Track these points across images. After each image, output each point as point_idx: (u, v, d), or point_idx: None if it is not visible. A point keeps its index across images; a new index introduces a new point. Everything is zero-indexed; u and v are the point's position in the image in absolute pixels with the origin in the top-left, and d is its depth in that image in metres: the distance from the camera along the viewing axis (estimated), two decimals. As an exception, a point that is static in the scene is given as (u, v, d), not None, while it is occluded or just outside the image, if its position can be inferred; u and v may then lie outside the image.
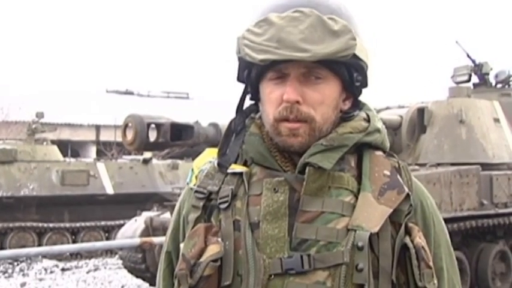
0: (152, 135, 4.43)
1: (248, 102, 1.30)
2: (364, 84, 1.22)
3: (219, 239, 1.14)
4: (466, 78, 8.49)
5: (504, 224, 6.93)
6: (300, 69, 1.15)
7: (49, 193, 12.55)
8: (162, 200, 8.73)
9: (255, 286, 1.11)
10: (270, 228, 1.14)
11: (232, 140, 1.26)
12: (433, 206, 1.27)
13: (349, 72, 1.18)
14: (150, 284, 7.93)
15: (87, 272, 10.79)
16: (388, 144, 1.27)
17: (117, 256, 10.36)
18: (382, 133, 1.26)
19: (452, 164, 6.74)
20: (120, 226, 9.02)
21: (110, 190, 13.26)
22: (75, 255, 12.23)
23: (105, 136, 23.55)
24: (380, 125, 1.26)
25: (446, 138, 7.19)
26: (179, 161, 14.75)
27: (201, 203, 1.21)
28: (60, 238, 12.70)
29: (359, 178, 1.20)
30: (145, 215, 7.72)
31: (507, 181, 6.94)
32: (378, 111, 7.56)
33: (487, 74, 8.81)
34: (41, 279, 10.18)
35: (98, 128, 25.72)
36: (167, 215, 7.32)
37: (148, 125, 4.33)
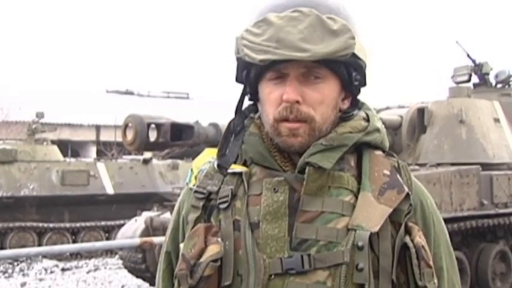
0: (152, 135, 4.44)
1: (247, 102, 1.29)
2: (363, 83, 1.22)
3: (219, 239, 1.14)
4: (466, 78, 8.50)
5: (504, 224, 6.93)
6: (300, 69, 1.15)
7: (49, 193, 12.56)
8: (162, 200, 8.72)
9: (255, 286, 1.10)
10: (270, 228, 1.14)
11: (231, 141, 1.26)
12: (432, 205, 1.27)
13: (348, 72, 1.18)
14: (150, 284, 7.93)
15: (87, 272, 10.79)
16: (387, 144, 1.27)
17: (117, 256, 10.35)
18: (382, 132, 1.26)
19: (453, 164, 6.75)
20: (120, 226, 9.02)
21: (110, 190, 13.26)
22: (75, 255, 12.23)
23: (105, 136, 23.55)
24: (379, 124, 1.26)
25: (446, 138, 7.19)
26: (179, 161, 14.75)
27: (201, 203, 1.21)
28: (60, 238, 12.70)
29: (359, 178, 1.20)
30: (146, 215, 7.72)
31: (507, 181, 6.94)
32: (378, 111, 7.56)
33: (487, 74, 8.82)
34: (41, 279, 10.18)
35: (98, 128, 25.72)
36: (167, 215, 7.32)
37: (149, 125, 4.33)
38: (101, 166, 13.47)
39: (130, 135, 4.34)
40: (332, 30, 1.11)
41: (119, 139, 6.24)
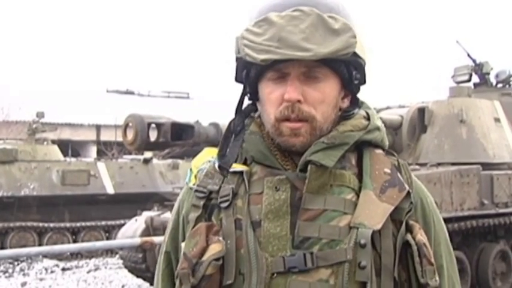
0: (153, 135, 4.43)
1: (246, 102, 1.29)
2: (363, 81, 1.22)
3: (221, 238, 1.14)
4: (466, 78, 8.49)
5: (505, 224, 6.93)
6: (301, 68, 1.14)
7: (49, 193, 12.56)
8: (163, 200, 8.73)
9: (257, 285, 1.10)
10: (272, 226, 1.14)
11: (231, 141, 1.26)
12: (432, 204, 1.28)
13: (348, 70, 1.18)
14: (151, 284, 7.92)
15: (88, 272, 10.79)
16: (387, 143, 1.28)
17: (117, 256, 10.35)
18: (382, 131, 1.26)
19: (453, 164, 6.74)
20: (121, 226, 9.02)
21: (110, 190, 13.26)
22: (76, 255, 12.23)
23: (106, 136, 23.55)
24: (379, 123, 1.26)
25: (446, 138, 7.19)
26: (179, 161, 14.75)
27: (202, 202, 1.20)
28: (60, 238, 12.70)
29: (360, 176, 1.20)
30: (146, 214, 7.71)
31: (508, 181, 6.94)
32: (379, 111, 7.56)
33: (488, 73, 8.82)
34: (41, 279, 10.18)
35: (98, 127, 25.72)
36: (168, 214, 7.31)
37: (149, 124, 4.33)
38: (101, 166, 13.47)
39: (130, 135, 4.33)
40: (333, 29, 1.11)
41: (119, 139, 6.24)
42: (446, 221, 6.05)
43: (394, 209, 1.15)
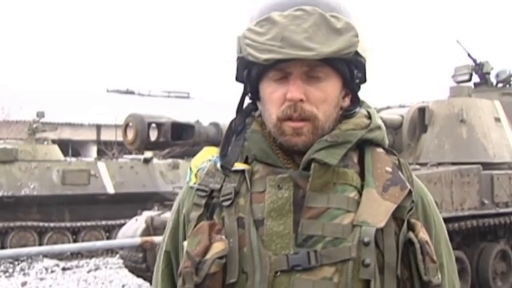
0: (153, 135, 4.43)
1: (246, 101, 1.29)
2: (363, 80, 1.23)
3: (223, 237, 1.14)
4: (466, 77, 8.49)
5: (505, 224, 6.93)
6: (303, 67, 1.15)
7: (50, 192, 12.55)
8: (163, 200, 8.73)
9: (261, 283, 1.10)
10: (275, 225, 1.14)
11: (233, 140, 1.26)
12: (432, 203, 1.28)
13: (350, 69, 1.19)
14: (151, 284, 7.89)
15: (88, 272, 10.79)
16: (387, 142, 1.28)
17: (117, 255, 10.35)
18: (382, 130, 1.27)
19: (453, 164, 6.74)
20: (121, 226, 9.02)
21: (110, 190, 13.26)
22: (76, 255, 12.23)
23: (106, 136, 23.55)
24: (380, 122, 1.27)
25: (447, 138, 7.18)
26: (180, 161, 14.74)
27: (203, 201, 1.20)
28: (61, 237, 12.70)
29: (361, 174, 1.20)
30: (146, 214, 7.71)
31: (508, 180, 6.93)
32: (379, 110, 7.56)
33: (488, 73, 8.81)
34: (41, 279, 10.18)
35: (98, 127, 25.72)
36: (168, 214, 7.30)
37: (149, 124, 4.33)
38: (101, 165, 13.46)
39: (131, 134, 4.33)
40: (336, 28, 1.12)
41: (120, 138, 6.24)
42: (447, 220, 6.05)
43: (396, 208, 1.16)
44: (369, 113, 1.26)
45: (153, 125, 4.39)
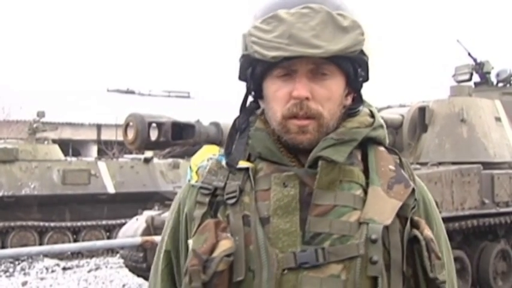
0: (153, 135, 4.42)
1: (249, 100, 1.29)
2: (366, 78, 1.23)
3: (229, 235, 1.13)
4: (467, 77, 8.48)
5: (505, 223, 6.92)
6: (308, 65, 1.15)
7: (50, 192, 12.55)
8: (163, 199, 8.72)
9: (268, 281, 1.10)
10: (282, 222, 1.14)
11: (236, 139, 1.26)
12: (432, 201, 1.30)
13: (354, 68, 1.19)
14: (152, 283, 7.92)
15: (89, 271, 10.79)
16: (387, 140, 1.29)
17: (118, 255, 10.35)
18: (384, 129, 1.28)
19: (454, 163, 6.73)
20: (121, 225, 9.02)
21: (111, 189, 13.26)
22: (77, 255, 12.23)
23: (106, 135, 23.55)
24: (382, 121, 1.28)
25: (447, 137, 7.18)
26: (180, 160, 14.73)
27: (207, 199, 1.20)
28: (61, 237, 12.70)
29: (365, 172, 1.21)
30: (147, 214, 7.71)
31: (508, 180, 6.93)
32: (379, 110, 7.55)
33: (488, 72, 8.81)
34: (42, 279, 10.19)
35: (99, 127, 25.72)
36: (168, 213, 7.30)
37: (150, 124, 4.32)
38: (102, 165, 13.47)
39: (131, 134, 4.32)
40: (343, 26, 1.12)
41: (120, 138, 6.23)
42: (447, 220, 6.05)
43: (400, 205, 1.17)
44: (371, 111, 1.27)
45: (154, 124, 4.38)
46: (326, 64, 1.15)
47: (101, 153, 21.28)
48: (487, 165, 6.87)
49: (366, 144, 1.24)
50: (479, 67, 8.77)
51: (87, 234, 12.98)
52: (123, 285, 9.49)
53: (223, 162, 1.23)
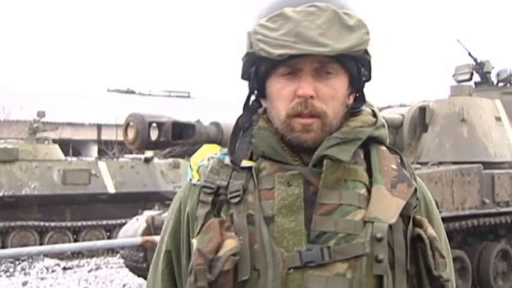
0: (153, 134, 4.42)
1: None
2: (368, 78, 1.23)
3: (233, 234, 1.13)
4: (467, 76, 8.48)
5: (506, 223, 6.92)
6: (313, 64, 1.15)
7: (50, 192, 12.56)
8: (164, 199, 8.73)
9: (274, 280, 1.10)
10: (286, 221, 1.14)
11: (240, 137, 1.25)
12: (432, 201, 1.30)
13: (357, 67, 1.19)
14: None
15: (89, 271, 10.79)
16: (388, 140, 1.29)
17: (118, 255, 10.35)
18: (386, 128, 1.28)
19: (454, 163, 6.73)
20: (122, 225, 9.03)
21: (111, 189, 13.26)
22: (77, 254, 12.24)
23: (107, 135, 23.55)
24: (384, 120, 1.29)
25: (447, 137, 7.18)
26: (180, 160, 14.73)
27: (210, 198, 1.19)
28: (61, 237, 12.70)
29: (368, 171, 1.21)
30: (147, 214, 7.71)
31: (509, 180, 6.93)
32: (380, 109, 7.52)
33: (489, 72, 8.81)
34: (42, 278, 10.19)
35: (99, 127, 25.72)
36: (168, 213, 7.30)
37: (150, 124, 4.31)
38: (102, 165, 13.47)
39: (131, 134, 4.32)
40: (349, 25, 1.12)
41: (120, 138, 6.24)
42: (448, 220, 6.05)
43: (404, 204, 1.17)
44: (373, 111, 1.27)
45: (154, 124, 4.38)
46: (331, 63, 1.15)
47: (101, 153, 21.28)
48: (487, 165, 6.87)
49: (368, 144, 1.24)
50: (480, 67, 8.77)
51: (88, 234, 12.99)
52: (124, 285, 9.49)
53: (226, 161, 1.23)
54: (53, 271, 10.92)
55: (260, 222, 1.14)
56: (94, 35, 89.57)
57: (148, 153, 14.39)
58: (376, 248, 1.11)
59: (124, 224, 8.73)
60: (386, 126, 1.28)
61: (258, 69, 1.20)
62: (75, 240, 12.71)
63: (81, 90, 28.81)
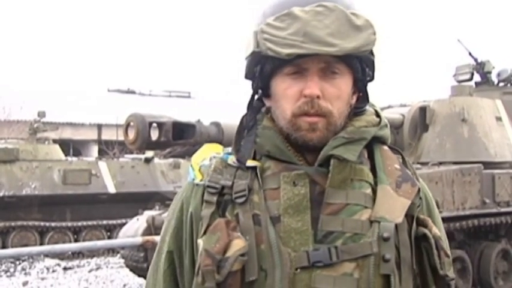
0: (154, 134, 4.42)
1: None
2: (372, 78, 1.24)
3: (239, 234, 1.13)
4: (468, 76, 8.48)
5: (506, 223, 6.92)
6: (320, 63, 1.15)
7: (51, 192, 12.55)
8: (164, 199, 8.72)
9: (281, 280, 1.10)
10: (293, 221, 1.14)
11: (244, 136, 1.25)
12: (433, 200, 1.31)
13: (362, 67, 1.19)
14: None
15: (89, 271, 10.79)
16: (389, 140, 1.30)
17: (119, 255, 10.35)
18: (388, 128, 1.29)
19: (455, 163, 6.73)
20: (122, 225, 9.02)
21: (111, 189, 13.25)
22: (77, 254, 12.24)
23: (107, 135, 23.55)
24: (386, 120, 1.29)
25: (448, 137, 7.17)
26: (181, 160, 14.72)
27: (215, 198, 1.18)
28: (62, 237, 12.70)
29: (372, 171, 1.21)
30: (147, 214, 7.71)
31: (509, 180, 6.92)
32: (380, 109, 7.54)
33: (489, 72, 8.80)
34: (43, 278, 10.19)
35: (99, 127, 25.72)
36: (168, 213, 7.29)
37: (150, 124, 4.31)
38: (102, 165, 13.46)
39: (132, 134, 4.32)
40: (356, 25, 1.13)
41: (121, 138, 6.24)
42: (448, 220, 6.05)
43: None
44: (376, 111, 1.28)
45: (154, 124, 4.37)
46: (337, 63, 1.16)
47: (101, 153, 21.28)
48: (487, 164, 6.86)
49: (371, 143, 1.24)
50: (480, 67, 8.76)
51: (88, 234, 12.98)
52: (124, 285, 9.49)
53: (229, 161, 1.22)
54: (53, 271, 10.92)
55: (266, 222, 1.14)
56: (94, 35, 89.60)
57: (149, 153, 14.39)
58: (383, 248, 1.11)
59: (124, 224, 8.72)
60: (388, 126, 1.29)
61: (263, 69, 1.20)
62: (76, 240, 12.70)
63: (82, 90, 28.82)
